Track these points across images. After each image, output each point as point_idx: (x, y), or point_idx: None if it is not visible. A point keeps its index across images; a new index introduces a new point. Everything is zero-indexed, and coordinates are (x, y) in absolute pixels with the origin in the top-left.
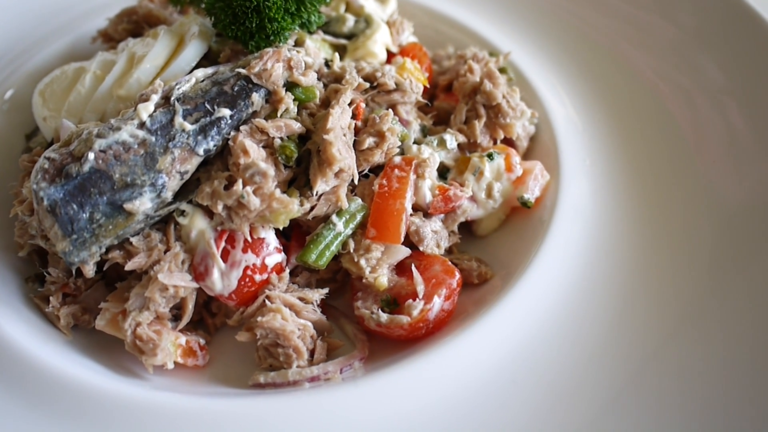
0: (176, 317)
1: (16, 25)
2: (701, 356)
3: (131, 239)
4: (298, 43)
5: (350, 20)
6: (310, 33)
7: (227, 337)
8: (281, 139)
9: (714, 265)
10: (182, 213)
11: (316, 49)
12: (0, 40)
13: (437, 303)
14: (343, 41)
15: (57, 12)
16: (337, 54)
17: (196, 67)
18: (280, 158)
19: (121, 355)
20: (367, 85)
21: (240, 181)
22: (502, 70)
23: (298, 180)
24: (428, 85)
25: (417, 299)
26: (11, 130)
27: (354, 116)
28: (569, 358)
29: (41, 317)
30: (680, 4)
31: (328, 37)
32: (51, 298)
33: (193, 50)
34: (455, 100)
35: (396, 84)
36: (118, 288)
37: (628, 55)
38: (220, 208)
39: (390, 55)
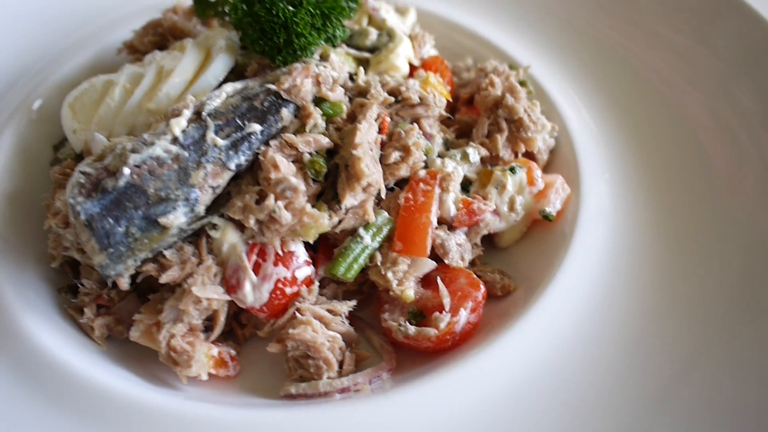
0: (208, 328)
1: (43, 36)
2: (730, 372)
3: (165, 252)
4: (323, 57)
5: (373, 34)
6: (334, 47)
7: (255, 348)
8: (310, 154)
9: (743, 279)
10: (214, 226)
11: (340, 62)
12: (28, 51)
13: (463, 315)
14: (366, 55)
15: (82, 23)
16: (361, 68)
17: (224, 80)
18: (309, 173)
19: (153, 365)
20: (392, 99)
21: (272, 196)
22: (522, 84)
23: (326, 193)
24: (450, 99)
25: (444, 312)
26: (39, 141)
27: (379, 130)
28: (594, 372)
29: (75, 327)
30: (717, 29)
31: (352, 51)
32: (85, 309)
33: (221, 64)
34: (476, 113)
35: (420, 98)
36: (151, 300)
37: (651, 71)
38: (252, 222)
39: (412, 68)
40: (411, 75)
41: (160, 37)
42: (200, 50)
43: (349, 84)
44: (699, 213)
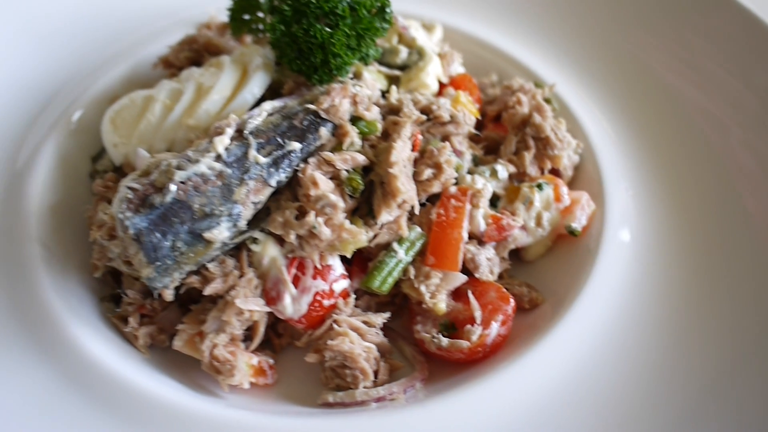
0: (246, 338)
1: (81, 50)
2: (760, 387)
3: (208, 265)
4: (356, 75)
5: (403, 52)
6: (367, 65)
7: (290, 356)
8: (347, 171)
9: None
10: (254, 240)
11: (372, 80)
12: (67, 64)
13: (494, 328)
14: (396, 72)
15: (117, 37)
16: (394, 87)
17: (261, 97)
18: (346, 190)
19: (193, 372)
20: (425, 117)
21: (312, 213)
22: (546, 101)
23: (360, 208)
24: (479, 117)
25: (475, 325)
26: (78, 152)
27: (412, 148)
28: (622, 386)
29: (118, 335)
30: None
31: (383, 69)
32: (130, 318)
33: (258, 82)
34: (503, 130)
35: (450, 116)
36: (193, 310)
37: (675, 92)
38: (292, 237)
39: (441, 86)
40: (440, 92)
41: (195, 53)
42: (237, 67)
43: (381, 101)
44: (722, 228)
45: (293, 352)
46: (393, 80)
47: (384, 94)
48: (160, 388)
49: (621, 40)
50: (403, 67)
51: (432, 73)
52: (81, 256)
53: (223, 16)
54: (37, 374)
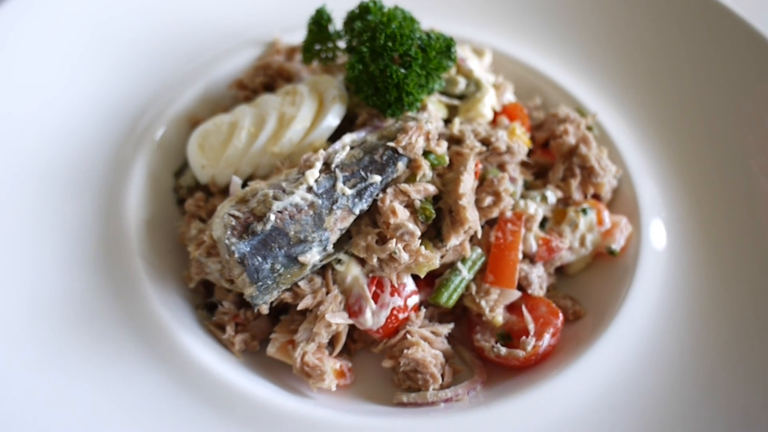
0: (329, 343)
1: (161, 70)
2: None
3: (299, 283)
4: (422, 107)
5: (461, 83)
6: (430, 95)
7: (363, 359)
8: (420, 200)
9: None
10: (339, 261)
11: (436, 111)
12: (149, 84)
13: (546, 340)
14: (455, 102)
15: (192, 57)
16: (457, 119)
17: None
18: (420, 218)
19: (282, 374)
20: (485, 148)
21: (393, 240)
22: (588, 128)
23: (428, 231)
24: (531, 147)
25: (529, 336)
26: (163, 168)
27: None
28: (659, 392)
29: (214, 340)
30: None
31: (443, 98)
32: (227, 327)
33: (336, 112)
34: (551, 156)
35: (507, 147)
36: (283, 320)
37: (711, 122)
38: (374, 260)
39: (495, 114)
40: (494, 120)
41: (269, 77)
42: (314, 96)
43: (444, 130)
44: (751, 245)
45: (365, 355)
46: (452, 109)
47: (445, 122)
48: (259, 389)
49: (660, 66)
50: (461, 97)
51: (488, 104)
52: (175, 267)
53: (288, 37)
54: (154, 378)
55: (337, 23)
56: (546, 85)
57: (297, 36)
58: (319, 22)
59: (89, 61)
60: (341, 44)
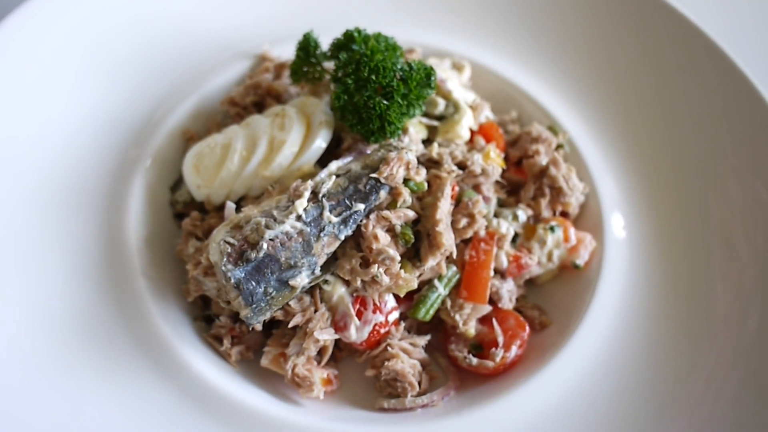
0: (318, 353)
1: (156, 84)
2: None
3: (289, 302)
4: (403, 130)
5: (441, 104)
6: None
7: (347, 366)
8: (400, 225)
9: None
10: (326, 282)
11: (416, 134)
12: (147, 98)
13: (513, 351)
14: (434, 123)
15: (185, 70)
16: (435, 144)
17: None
18: (400, 242)
19: (274, 380)
20: (461, 172)
21: (375, 265)
22: (559, 146)
23: (408, 252)
24: (505, 167)
25: (498, 348)
26: (159, 183)
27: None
28: (620, 393)
29: (211, 351)
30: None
31: (423, 120)
32: (224, 340)
33: (323, 137)
34: (523, 174)
35: (482, 170)
36: (275, 334)
37: (679, 145)
38: (358, 282)
39: (472, 133)
40: (471, 139)
41: (259, 96)
42: (302, 120)
43: (422, 150)
44: (707, 258)
45: (349, 362)
46: (431, 129)
47: (424, 142)
48: (254, 398)
49: (635, 82)
50: (440, 118)
51: (465, 126)
52: (173, 281)
53: (276, 50)
54: (159, 392)
55: (325, 40)
56: (521, 96)
57: (285, 48)
58: (306, 48)
59: (86, 80)
60: (327, 64)
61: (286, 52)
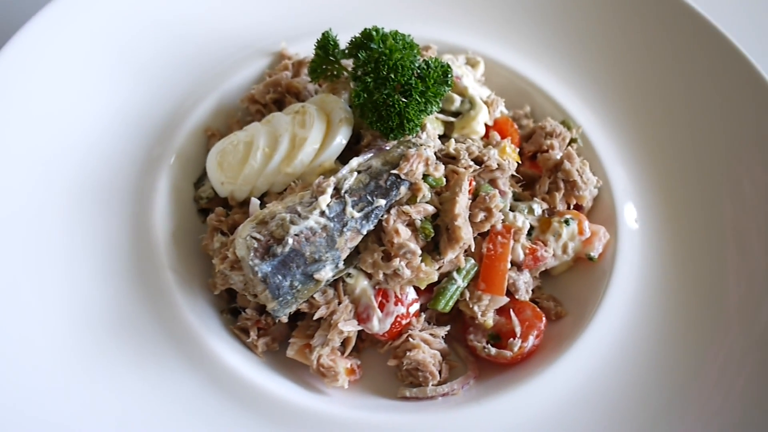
0: (341, 344)
1: (179, 84)
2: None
3: (314, 294)
4: (421, 127)
5: (457, 101)
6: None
7: (369, 355)
8: (420, 220)
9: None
10: (349, 275)
11: (433, 130)
12: (167, 96)
13: (531, 341)
14: (451, 119)
15: (205, 69)
16: (452, 139)
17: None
18: (420, 236)
19: (300, 372)
20: (478, 167)
21: (397, 259)
22: (573, 140)
23: (428, 245)
24: (520, 162)
25: (516, 338)
26: (183, 179)
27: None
28: (633, 383)
29: (238, 342)
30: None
31: (440, 116)
32: (250, 332)
33: (343, 133)
34: (538, 168)
35: (498, 164)
36: (300, 326)
37: (692, 140)
38: (380, 275)
39: (487, 128)
40: (486, 134)
41: (279, 94)
42: (322, 117)
43: (440, 147)
44: (720, 250)
45: (371, 352)
46: (448, 125)
47: (440, 138)
48: (281, 388)
49: (649, 78)
50: (457, 114)
51: (481, 121)
52: (199, 273)
53: (293, 47)
54: (188, 382)
55: (342, 38)
56: (534, 91)
57: (302, 45)
58: (325, 46)
59: (112, 81)
60: (345, 62)
61: (303, 49)
